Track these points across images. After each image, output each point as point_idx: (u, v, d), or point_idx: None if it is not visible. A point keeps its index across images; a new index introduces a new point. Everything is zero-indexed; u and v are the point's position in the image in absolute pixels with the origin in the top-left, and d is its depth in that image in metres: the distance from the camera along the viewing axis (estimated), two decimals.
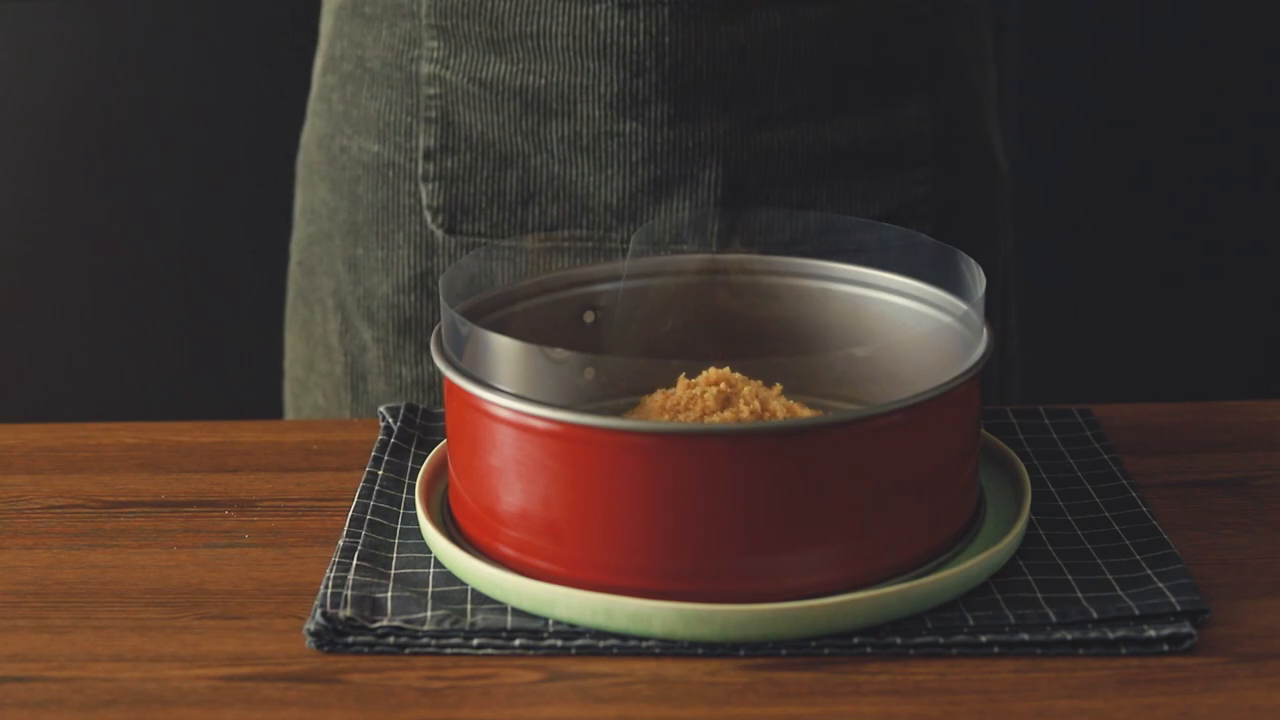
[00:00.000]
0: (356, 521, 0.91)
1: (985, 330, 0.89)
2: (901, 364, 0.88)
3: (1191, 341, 1.93)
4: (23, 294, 1.92)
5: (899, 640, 0.80)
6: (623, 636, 0.81)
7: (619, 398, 0.92)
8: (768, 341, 0.99)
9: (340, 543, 0.89)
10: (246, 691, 0.78)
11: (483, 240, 1.13)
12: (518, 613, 0.83)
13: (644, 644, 0.81)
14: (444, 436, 0.96)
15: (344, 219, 1.18)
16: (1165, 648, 0.80)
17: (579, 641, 0.81)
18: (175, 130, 1.88)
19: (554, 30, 1.09)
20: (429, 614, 0.82)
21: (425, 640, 0.81)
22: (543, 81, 1.10)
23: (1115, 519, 0.91)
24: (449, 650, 0.81)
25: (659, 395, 0.89)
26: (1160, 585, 0.83)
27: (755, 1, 1.09)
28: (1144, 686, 0.77)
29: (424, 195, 1.14)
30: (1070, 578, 0.85)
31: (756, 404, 0.87)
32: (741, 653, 0.80)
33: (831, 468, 0.82)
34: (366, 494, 0.94)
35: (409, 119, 1.14)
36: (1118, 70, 1.87)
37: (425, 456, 0.98)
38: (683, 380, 0.89)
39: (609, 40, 1.09)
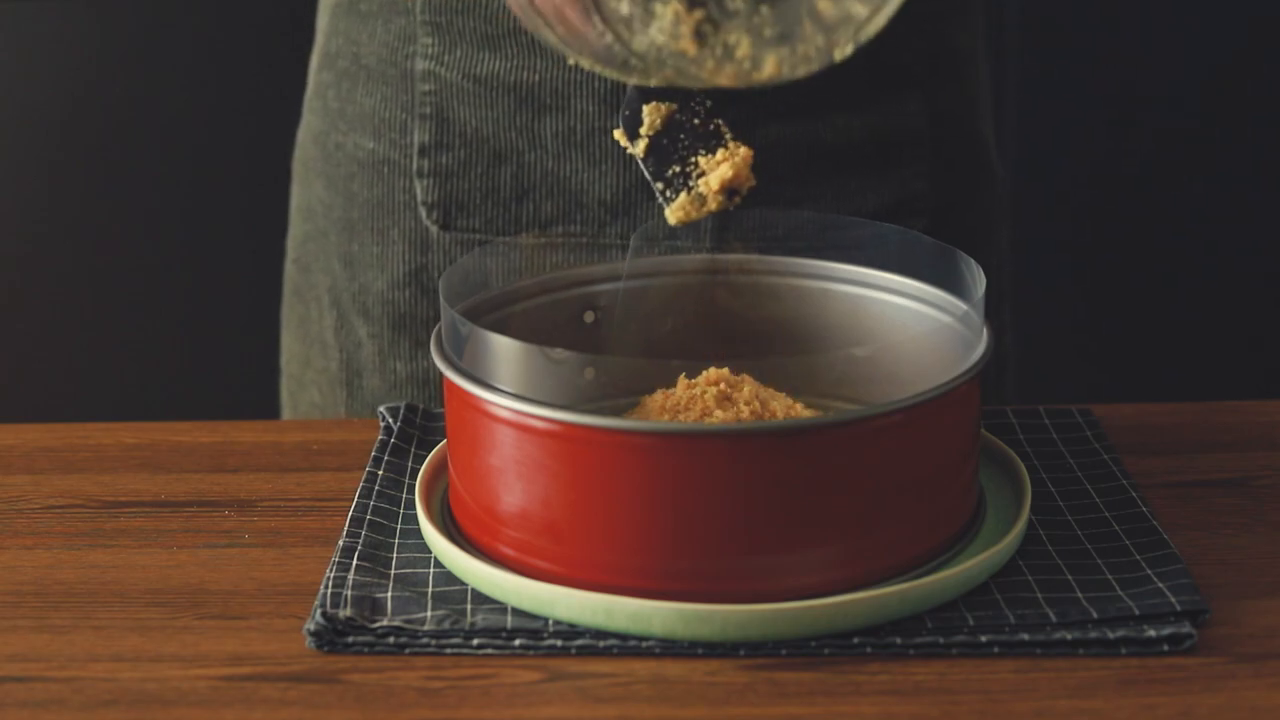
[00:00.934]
0: (356, 521, 0.91)
1: (985, 330, 0.89)
2: (901, 364, 0.88)
3: (1191, 341, 1.93)
4: (23, 294, 1.92)
5: (899, 640, 0.80)
6: (623, 636, 0.81)
7: (619, 398, 0.92)
8: (768, 341, 0.99)
9: (340, 543, 0.89)
10: (246, 691, 0.78)
11: (477, 236, 1.13)
12: (518, 613, 0.83)
13: (644, 644, 0.80)
14: (444, 436, 0.96)
15: (339, 215, 1.18)
16: (1165, 648, 0.80)
17: (579, 641, 0.81)
18: (172, 128, 1.88)
19: None
20: (429, 614, 0.82)
21: (425, 640, 0.81)
22: (537, 77, 1.10)
23: (1115, 519, 0.91)
24: (449, 650, 0.81)
25: (659, 395, 0.89)
26: (1160, 585, 0.83)
27: None
28: (1144, 686, 0.77)
29: (419, 191, 1.14)
30: (1070, 578, 0.85)
31: (756, 404, 0.87)
32: (741, 653, 0.80)
33: (831, 468, 0.82)
34: (366, 494, 0.94)
35: (404, 115, 1.14)
36: (1118, 70, 1.87)
37: (425, 456, 0.98)
38: (683, 380, 0.89)
39: None
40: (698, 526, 0.81)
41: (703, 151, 0.91)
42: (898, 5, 0.81)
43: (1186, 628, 0.80)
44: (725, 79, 0.82)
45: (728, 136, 0.92)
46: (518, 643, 0.81)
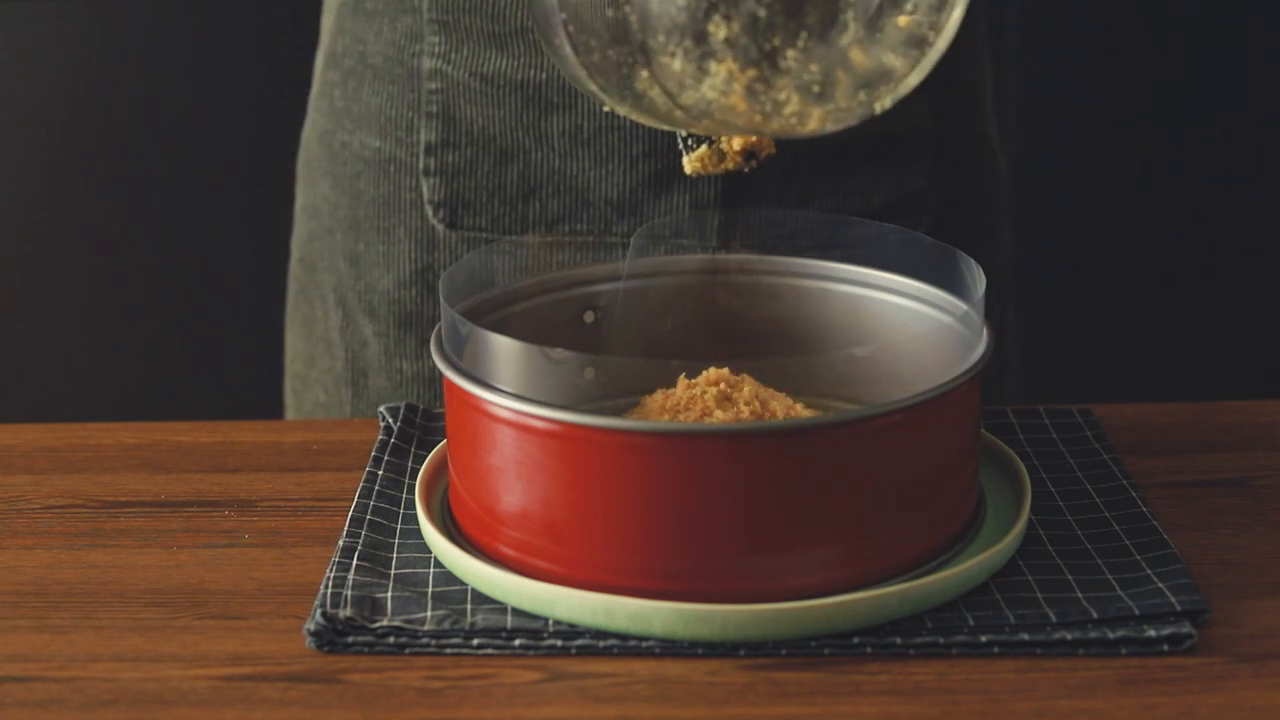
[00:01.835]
0: (356, 521, 0.91)
1: (985, 330, 0.89)
2: (901, 364, 0.88)
3: (1191, 341, 1.93)
4: (23, 294, 1.92)
5: (899, 640, 0.80)
6: (623, 636, 0.81)
7: (619, 398, 0.92)
8: (768, 341, 0.99)
9: (340, 543, 0.89)
10: (246, 691, 0.78)
11: (483, 235, 1.13)
12: (518, 613, 0.83)
13: (644, 644, 0.81)
14: (444, 436, 0.96)
15: (345, 214, 1.18)
16: (1165, 648, 0.80)
17: (579, 641, 0.81)
18: (176, 128, 1.88)
19: None
20: (429, 614, 0.82)
21: (425, 640, 0.81)
22: (544, 76, 1.10)
23: (1115, 519, 0.91)
24: (449, 650, 0.81)
25: (659, 395, 0.89)
26: (1160, 585, 0.83)
27: None
28: (1144, 686, 0.77)
29: (425, 190, 1.14)
30: (1070, 578, 0.85)
31: (756, 404, 0.87)
32: (741, 653, 0.80)
33: (831, 468, 0.82)
34: (366, 494, 0.94)
35: (410, 114, 1.14)
36: (1118, 70, 1.87)
37: (425, 456, 0.98)
38: (683, 380, 0.89)
39: None
40: (698, 526, 0.81)
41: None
42: (936, 59, 0.82)
43: (1186, 628, 0.80)
44: (769, 131, 0.83)
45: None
46: (518, 643, 0.81)
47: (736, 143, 0.91)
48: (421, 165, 1.14)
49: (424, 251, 1.15)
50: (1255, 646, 0.80)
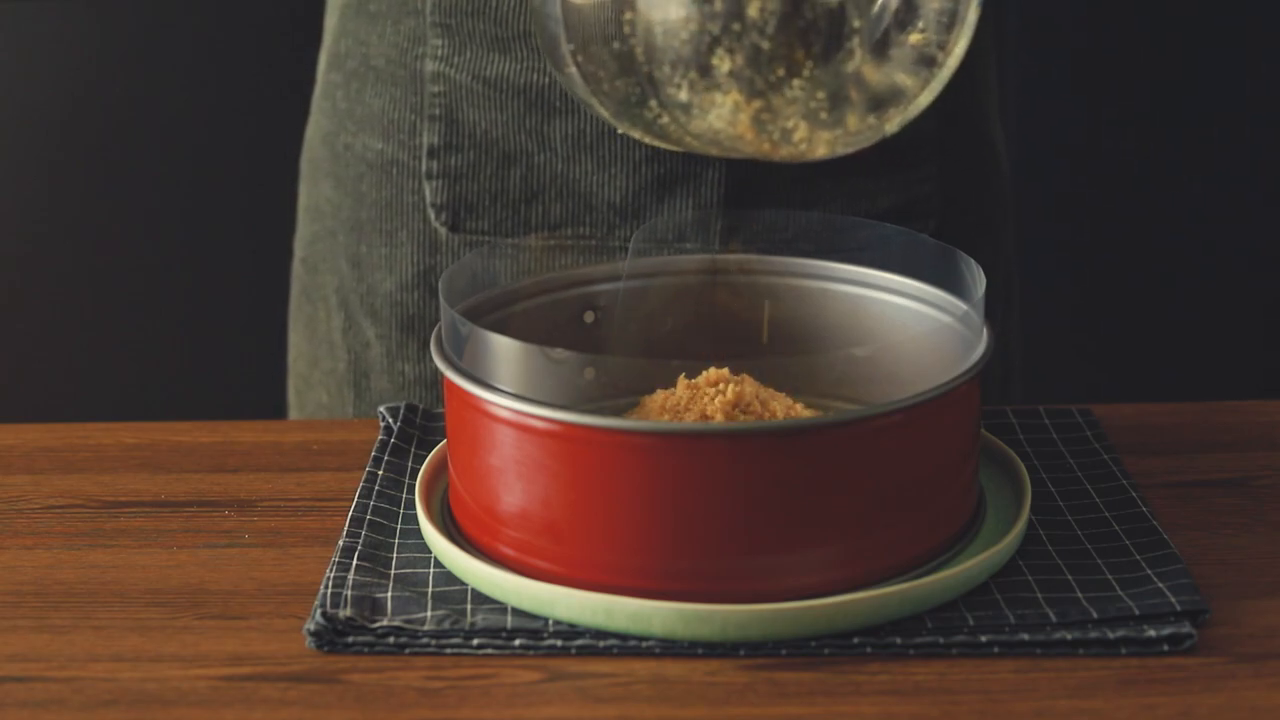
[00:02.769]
0: (356, 521, 0.91)
1: (985, 330, 0.89)
2: (901, 364, 0.88)
3: (1191, 341, 1.93)
4: (23, 294, 1.92)
5: (899, 640, 0.80)
6: (623, 636, 0.81)
7: (619, 398, 0.92)
8: (768, 341, 0.99)
9: (340, 543, 0.89)
10: (246, 691, 0.78)
11: (486, 238, 1.13)
12: (518, 613, 0.83)
13: (644, 644, 0.81)
14: (444, 436, 0.96)
15: (347, 216, 1.18)
16: (1165, 648, 0.80)
17: (579, 641, 0.81)
18: (177, 128, 1.88)
19: None
20: (429, 614, 0.82)
21: (425, 640, 0.81)
22: (546, 80, 1.10)
23: (1115, 519, 0.91)
24: (449, 650, 0.81)
25: (659, 395, 0.89)
26: (1160, 585, 0.83)
27: None
28: (1144, 686, 0.77)
29: (428, 193, 1.14)
30: (1070, 578, 0.85)
31: (756, 404, 0.87)
32: (741, 653, 0.80)
33: (831, 468, 0.82)
34: (366, 494, 0.94)
35: (413, 117, 1.14)
36: (1117, 70, 1.87)
37: (425, 456, 0.98)
38: (683, 380, 0.89)
39: None
40: (698, 526, 0.81)
41: None
42: (946, 78, 0.82)
43: (1186, 628, 0.80)
44: (779, 158, 0.83)
45: None
46: (518, 643, 0.81)
47: None
48: (424, 168, 1.14)
49: (426, 254, 1.15)
50: (1255, 646, 0.80)
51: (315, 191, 1.22)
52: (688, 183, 1.11)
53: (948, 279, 0.94)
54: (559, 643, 0.81)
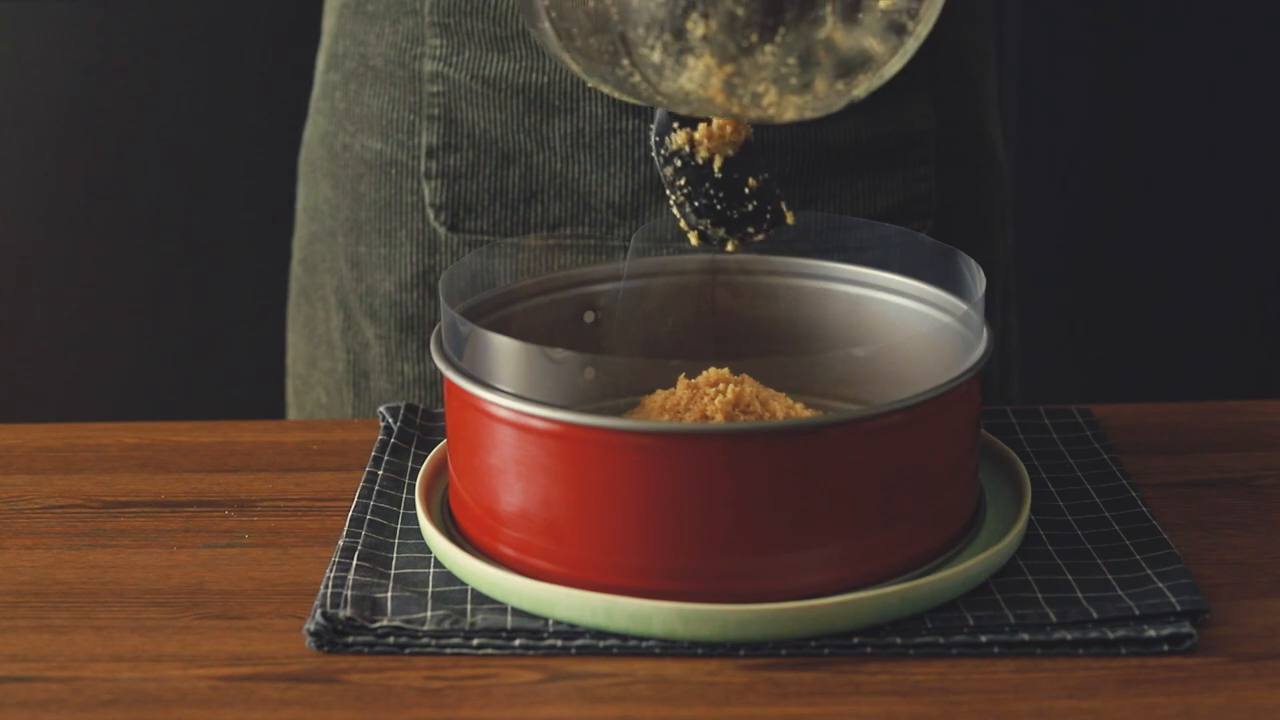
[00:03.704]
0: (356, 521, 0.91)
1: (985, 330, 0.89)
2: (901, 364, 0.88)
3: (1191, 341, 1.93)
4: (23, 294, 1.92)
5: (899, 640, 0.80)
6: (623, 636, 0.81)
7: (619, 398, 0.92)
8: (768, 341, 0.99)
9: (340, 543, 0.89)
10: (246, 691, 0.78)
11: (485, 238, 1.13)
12: (518, 613, 0.83)
13: (644, 644, 0.81)
14: (444, 436, 0.96)
15: (346, 216, 1.18)
16: (1165, 648, 0.80)
17: (579, 641, 0.81)
18: (176, 129, 1.88)
19: None
20: (429, 614, 0.82)
21: (425, 640, 0.81)
22: (545, 79, 1.10)
23: (1115, 519, 0.91)
24: (449, 650, 0.81)
25: (659, 395, 0.89)
26: (1160, 585, 0.83)
27: None
28: (1144, 686, 0.77)
29: (426, 193, 1.14)
30: (1070, 578, 0.85)
31: (756, 404, 0.87)
32: (741, 653, 0.80)
33: (831, 468, 0.82)
34: (366, 494, 0.94)
35: (412, 116, 1.14)
36: (1118, 70, 1.87)
37: (425, 456, 0.98)
38: (683, 380, 0.89)
39: None
40: (698, 526, 0.81)
41: (750, 230, 0.91)
42: (915, 47, 0.82)
43: (1186, 628, 0.80)
44: (748, 119, 0.84)
45: (788, 217, 0.92)
46: (518, 643, 0.81)
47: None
48: (423, 168, 1.14)
49: (425, 254, 1.15)
50: (1255, 646, 0.80)
51: (314, 192, 1.22)
52: None
53: (947, 279, 0.94)
54: (559, 643, 0.81)
